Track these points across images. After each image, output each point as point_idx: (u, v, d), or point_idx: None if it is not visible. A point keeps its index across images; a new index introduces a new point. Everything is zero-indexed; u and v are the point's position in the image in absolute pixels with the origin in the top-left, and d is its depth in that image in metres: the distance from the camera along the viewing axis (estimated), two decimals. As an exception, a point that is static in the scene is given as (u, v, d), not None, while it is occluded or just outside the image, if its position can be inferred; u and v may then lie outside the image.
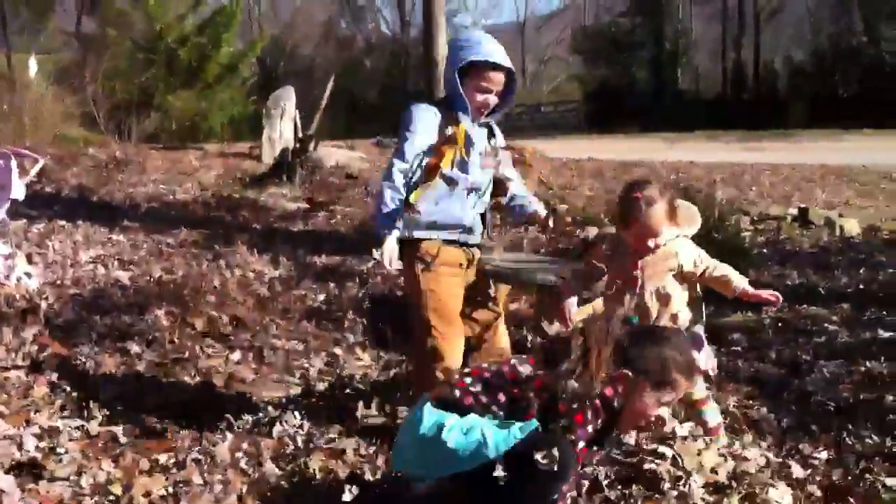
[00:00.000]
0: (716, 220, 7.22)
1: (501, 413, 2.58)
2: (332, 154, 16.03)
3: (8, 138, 14.44)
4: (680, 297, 3.39)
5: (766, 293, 3.30)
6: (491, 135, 3.66)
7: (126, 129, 13.90)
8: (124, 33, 24.65)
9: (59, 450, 3.38)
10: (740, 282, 3.34)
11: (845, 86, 36.61)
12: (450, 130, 3.38)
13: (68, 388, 4.13)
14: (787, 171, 16.74)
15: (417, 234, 3.45)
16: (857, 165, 17.05)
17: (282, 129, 16.23)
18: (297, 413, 3.84)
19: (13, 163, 6.08)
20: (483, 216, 3.69)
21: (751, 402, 4.25)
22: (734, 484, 3.07)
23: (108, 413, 3.87)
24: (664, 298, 3.39)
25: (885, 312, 5.72)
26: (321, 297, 6.21)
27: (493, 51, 3.39)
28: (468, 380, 2.66)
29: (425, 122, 3.41)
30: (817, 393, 4.30)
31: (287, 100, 16.66)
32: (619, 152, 20.76)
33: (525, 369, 2.66)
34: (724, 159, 18.66)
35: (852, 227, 9.33)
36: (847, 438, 3.73)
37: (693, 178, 14.90)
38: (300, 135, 14.36)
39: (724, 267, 3.38)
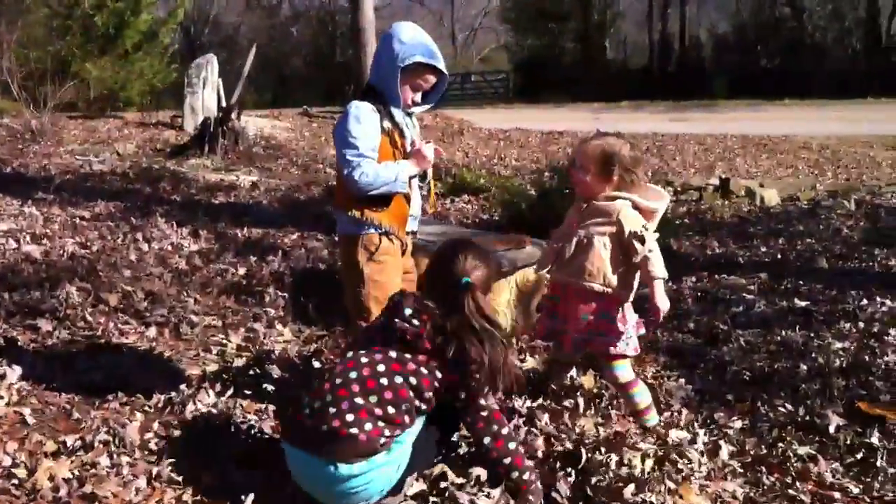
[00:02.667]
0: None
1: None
2: (256, 124, 15.79)
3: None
4: (602, 254, 3.37)
5: (660, 311, 3.33)
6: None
7: (42, 98, 13.40)
8: (39, -1, 23.86)
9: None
10: (657, 280, 3.34)
11: (767, 58, 37.29)
12: (386, 124, 3.37)
13: (-27, 369, 3.96)
14: (711, 141, 17.00)
15: (366, 230, 3.40)
16: (777, 136, 17.39)
17: (204, 99, 15.93)
18: (210, 392, 3.75)
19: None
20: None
21: (668, 372, 4.29)
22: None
23: (15, 393, 3.73)
24: (586, 246, 3.40)
25: (801, 282, 5.83)
26: (242, 270, 6.09)
27: (435, 53, 3.41)
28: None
29: (372, 122, 3.34)
30: (734, 362, 4.35)
31: (209, 68, 16.34)
32: (546, 122, 20.84)
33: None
34: (650, 129, 18.85)
35: (772, 196, 9.50)
36: (762, 407, 3.79)
37: (618, 149, 14.99)
38: (223, 104, 14.10)
39: (657, 255, 3.37)
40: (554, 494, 2.85)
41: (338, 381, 2.71)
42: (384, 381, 2.68)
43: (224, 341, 4.67)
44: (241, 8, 46.80)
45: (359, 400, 2.65)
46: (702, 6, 44.16)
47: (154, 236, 7.00)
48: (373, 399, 2.65)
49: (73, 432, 3.32)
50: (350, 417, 2.62)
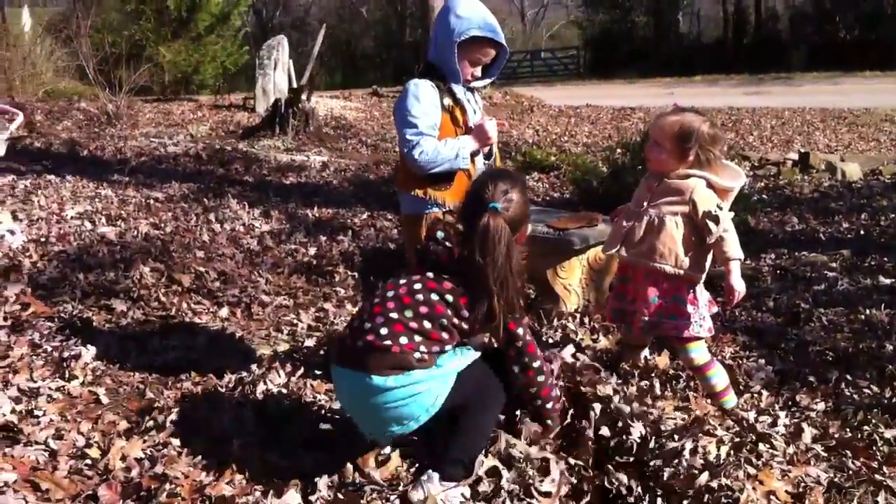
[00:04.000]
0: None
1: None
2: (327, 105, 15.86)
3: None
4: (674, 234, 3.27)
5: (735, 292, 3.24)
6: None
7: (117, 82, 13.63)
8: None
9: (37, 412, 3.30)
10: (732, 262, 3.24)
11: (846, 29, 36.15)
12: (447, 102, 3.34)
13: (50, 349, 4.02)
14: (788, 115, 16.56)
15: (429, 209, 3.37)
16: (858, 108, 16.86)
17: (275, 80, 16.04)
18: (281, 372, 3.75)
19: (-8, 119, 5.95)
20: None
21: (748, 352, 4.16)
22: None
23: (90, 373, 3.78)
24: (657, 226, 3.30)
25: (885, 259, 5.63)
26: (312, 250, 6.10)
27: (493, 26, 3.35)
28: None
29: (431, 99, 3.30)
30: (816, 342, 4.21)
31: (280, 50, 16.44)
32: (617, 98, 20.55)
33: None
34: (725, 104, 18.44)
35: (853, 171, 9.21)
36: (845, 389, 3.65)
37: (693, 124, 14.72)
38: (294, 85, 14.17)
39: (732, 235, 3.25)
40: (623, 484, 2.76)
41: (376, 300, 2.74)
42: (419, 297, 2.68)
43: (295, 321, 4.68)
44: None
45: (393, 315, 2.65)
46: (779, -23, 43.03)
47: (226, 217, 7.05)
48: (408, 314, 2.65)
49: (145, 412, 3.34)
50: (384, 331, 2.63)
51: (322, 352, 4.15)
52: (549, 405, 2.93)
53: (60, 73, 17.97)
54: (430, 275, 2.73)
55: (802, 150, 10.33)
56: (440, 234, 2.76)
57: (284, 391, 3.58)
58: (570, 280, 4.61)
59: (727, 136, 13.10)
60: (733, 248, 3.23)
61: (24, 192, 7.52)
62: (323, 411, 3.40)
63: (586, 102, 19.94)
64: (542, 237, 4.58)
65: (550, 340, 4.17)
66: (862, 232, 6.55)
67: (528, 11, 55.81)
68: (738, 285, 3.22)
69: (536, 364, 2.83)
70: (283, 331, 4.55)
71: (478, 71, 3.42)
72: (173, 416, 3.26)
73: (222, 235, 6.45)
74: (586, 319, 4.43)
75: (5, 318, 4.44)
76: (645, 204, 3.38)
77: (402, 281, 2.76)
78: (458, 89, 3.39)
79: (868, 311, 4.56)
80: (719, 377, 3.43)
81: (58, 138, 11.20)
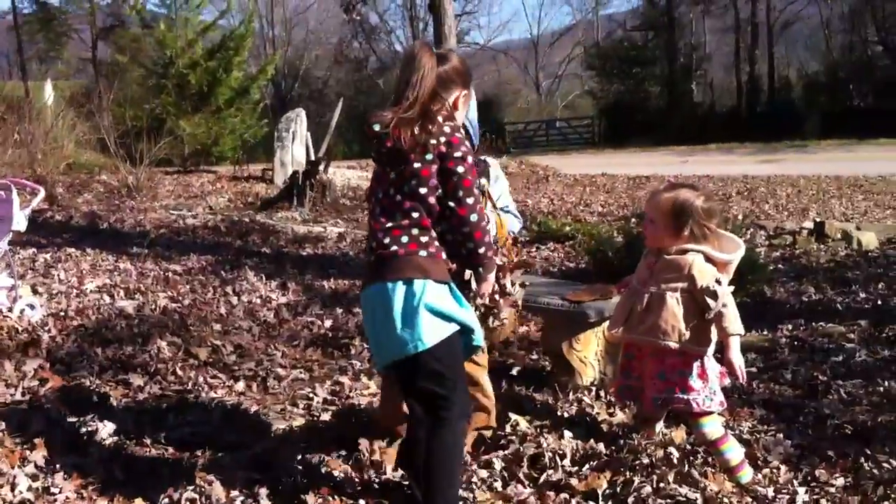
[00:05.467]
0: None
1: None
2: (344, 175, 16.02)
3: (21, 166, 14.49)
4: (675, 311, 3.29)
5: (735, 367, 3.24)
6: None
7: (138, 154, 13.86)
8: (137, 59, 24.81)
9: (52, 489, 3.31)
10: (732, 337, 3.25)
11: (860, 97, 36.42)
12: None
13: (67, 424, 4.04)
14: (804, 183, 16.60)
15: None
16: (873, 176, 16.89)
17: (293, 152, 16.25)
18: (297, 447, 3.74)
19: (14, 194, 6.05)
20: None
21: (765, 426, 4.12)
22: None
23: (106, 449, 3.79)
24: (657, 303, 3.33)
25: (904, 329, 5.59)
26: (328, 322, 6.13)
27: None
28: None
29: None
30: (834, 415, 4.17)
31: (298, 122, 16.69)
32: (632, 167, 20.67)
33: None
34: (740, 172, 18.52)
35: (870, 240, 9.18)
36: (865, 463, 3.60)
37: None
38: (311, 157, 14.35)
39: (731, 310, 3.27)
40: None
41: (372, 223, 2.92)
42: (398, 197, 2.83)
43: (311, 395, 4.67)
44: (330, 62, 47.87)
45: (388, 224, 2.83)
46: (790, 46, 43.51)
47: (243, 289, 7.11)
48: (398, 217, 2.82)
49: (160, 490, 3.34)
50: (387, 240, 2.80)
51: (337, 426, 4.14)
52: (480, 250, 2.88)
53: (82, 146, 18.27)
54: (392, 175, 2.87)
55: (818, 219, 10.32)
56: (376, 126, 2.88)
57: (300, 467, 3.57)
58: (586, 353, 4.60)
59: (743, 205, 13.15)
60: (733, 322, 3.24)
61: (44, 266, 7.62)
62: (339, 488, 3.39)
63: (601, 171, 20.07)
64: (557, 310, 4.59)
65: (566, 414, 4.15)
66: (879, 302, 6.52)
67: (542, 82, 56.49)
68: (737, 360, 3.24)
69: (470, 201, 2.82)
70: (299, 405, 4.54)
71: None
72: (188, 494, 3.26)
73: (239, 308, 6.49)
74: (602, 393, 4.41)
75: (23, 394, 4.48)
76: (644, 281, 3.41)
77: (379, 195, 2.92)
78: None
79: (887, 384, 4.52)
80: (734, 451, 3.40)
81: (78, 211, 11.37)
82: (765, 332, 5.75)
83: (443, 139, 2.79)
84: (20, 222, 5.96)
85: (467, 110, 3.22)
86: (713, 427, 3.40)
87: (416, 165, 2.79)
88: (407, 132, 2.78)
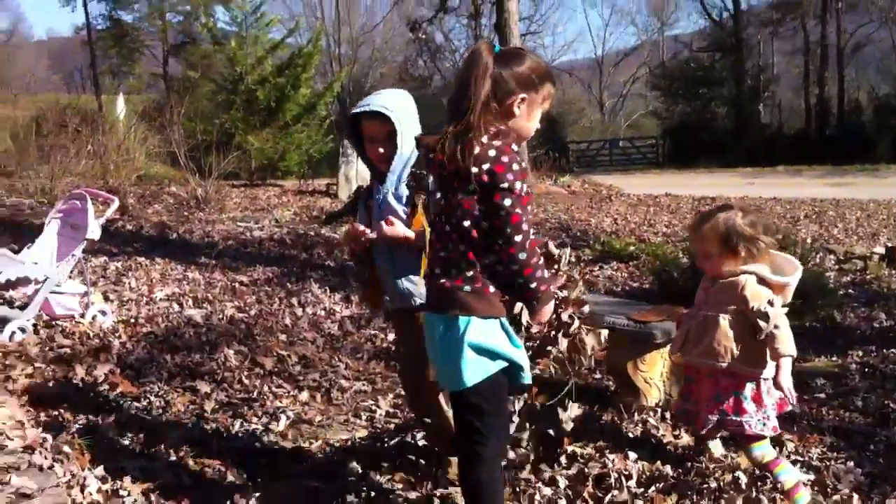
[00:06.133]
0: (798, 260, 7.01)
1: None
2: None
3: (94, 176, 14.85)
4: (728, 332, 3.27)
5: (784, 389, 3.20)
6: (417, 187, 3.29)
7: (207, 167, 14.11)
8: (207, 75, 25.30)
9: (121, 492, 3.37)
10: (784, 358, 3.21)
11: (933, 120, 35.63)
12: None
13: (136, 428, 4.13)
14: (874, 207, 16.25)
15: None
16: (947, 201, 16.48)
17: (358, 167, 16.38)
18: (360, 459, 3.76)
19: (89, 203, 6.20)
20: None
21: (836, 454, 4.03)
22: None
23: (173, 455, 3.85)
24: (711, 325, 3.33)
25: (979, 357, 5.43)
26: (391, 336, 6.14)
27: (364, 101, 3.31)
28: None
29: None
30: (907, 444, 4.07)
31: (363, 138, 16.81)
32: (697, 188, 20.43)
33: None
34: (808, 195, 18.21)
35: (944, 266, 8.96)
36: (940, 494, 3.51)
37: (775, 215, 14.56)
38: (375, 173, 14.44)
39: (784, 331, 3.22)
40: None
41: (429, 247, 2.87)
42: (446, 227, 2.66)
43: (373, 407, 4.70)
44: (395, 79, 48.26)
45: (440, 253, 2.71)
46: (861, 69, 42.75)
47: (308, 301, 7.18)
48: (448, 247, 2.67)
49: (225, 496, 3.38)
50: (437, 270, 2.71)
51: (399, 439, 4.16)
52: (532, 285, 2.63)
53: (152, 159, 18.67)
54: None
55: (889, 244, 10.09)
56: (423, 148, 2.83)
57: (363, 479, 3.59)
58: (651, 374, 4.55)
59: (812, 228, 12.92)
60: (784, 343, 3.20)
61: (115, 274, 7.78)
62: (399, 500, 3.40)
63: (665, 191, 19.88)
64: (622, 329, 4.55)
65: (631, 435, 4.11)
66: (954, 329, 6.36)
67: (606, 101, 56.27)
68: (786, 382, 3.20)
69: (518, 238, 2.55)
70: (362, 416, 4.57)
71: (379, 150, 3.30)
72: (253, 501, 3.30)
73: (304, 319, 6.56)
74: (667, 414, 4.36)
75: (94, 398, 4.57)
76: (701, 305, 3.41)
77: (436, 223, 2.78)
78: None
79: (962, 413, 4.40)
80: (788, 474, 3.36)
81: (148, 221, 11.59)
82: (835, 358, 5.64)
83: (486, 166, 2.52)
84: (94, 231, 6.10)
85: (529, 119, 2.78)
86: (764, 450, 3.37)
87: (459, 196, 2.59)
88: (449, 156, 2.57)
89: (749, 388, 3.31)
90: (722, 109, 41.46)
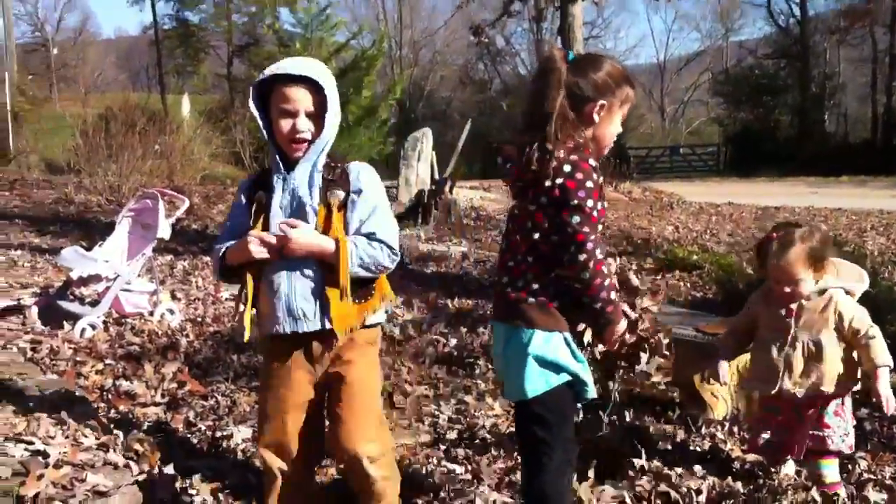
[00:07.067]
0: (868, 273, 6.87)
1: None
2: (466, 195, 16.14)
3: (160, 176, 15.13)
4: (835, 355, 3.22)
5: (883, 398, 3.14)
6: (333, 182, 2.81)
7: (269, 168, 14.29)
8: (271, 76, 25.53)
9: (190, 490, 3.41)
10: (881, 368, 3.15)
11: None
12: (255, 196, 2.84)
13: (203, 427, 4.19)
14: (944, 220, 15.86)
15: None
16: None
17: (418, 171, 16.43)
18: (432, 462, 3.78)
19: (160, 203, 6.32)
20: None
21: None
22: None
23: (241, 454, 3.90)
24: (816, 352, 3.23)
25: None
26: (453, 341, 6.16)
27: (286, 64, 2.73)
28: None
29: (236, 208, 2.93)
30: (984, 466, 3.95)
31: (424, 141, 16.85)
32: (759, 197, 20.14)
33: None
34: (874, 206, 17.84)
35: None
36: None
37: (840, 227, 14.29)
38: (436, 176, 14.50)
39: (879, 341, 3.17)
40: None
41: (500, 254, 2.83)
42: (517, 236, 2.67)
43: (436, 412, 4.70)
44: (454, 83, 48.41)
45: (510, 262, 2.69)
46: (931, 78, 41.78)
47: (370, 304, 7.20)
48: (517, 257, 2.66)
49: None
50: (505, 279, 2.69)
51: (463, 445, 4.16)
52: (597, 305, 2.58)
53: (217, 159, 18.96)
54: (516, 211, 2.72)
55: (961, 259, 9.86)
56: (501, 156, 2.70)
57: (424, 482, 3.60)
58: (719, 387, 4.50)
59: (879, 241, 12.65)
60: (881, 354, 3.16)
61: (182, 273, 7.91)
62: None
63: (727, 200, 19.63)
64: (690, 341, 4.51)
65: (698, 449, 4.06)
66: None
67: (667, 108, 55.77)
68: (885, 391, 3.14)
69: (582, 258, 2.50)
70: (425, 421, 4.57)
71: (300, 125, 2.75)
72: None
73: (367, 322, 6.58)
74: (736, 429, 4.30)
75: (163, 395, 4.65)
76: (791, 330, 3.31)
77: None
78: (277, 180, 2.82)
79: None
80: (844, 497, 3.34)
81: (213, 221, 11.77)
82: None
83: (559, 181, 2.50)
84: (165, 230, 6.21)
85: (610, 125, 2.72)
86: (832, 470, 3.34)
87: (531, 208, 2.59)
88: (525, 166, 2.55)
89: (834, 403, 3.27)
90: (786, 118, 40.89)
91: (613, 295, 2.63)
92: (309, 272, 2.72)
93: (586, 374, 2.73)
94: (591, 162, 2.56)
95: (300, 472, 2.97)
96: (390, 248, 2.81)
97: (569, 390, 2.71)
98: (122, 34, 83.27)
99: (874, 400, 3.19)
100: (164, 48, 43.47)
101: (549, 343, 2.62)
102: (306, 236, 2.68)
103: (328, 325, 2.72)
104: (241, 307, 2.80)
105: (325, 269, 2.70)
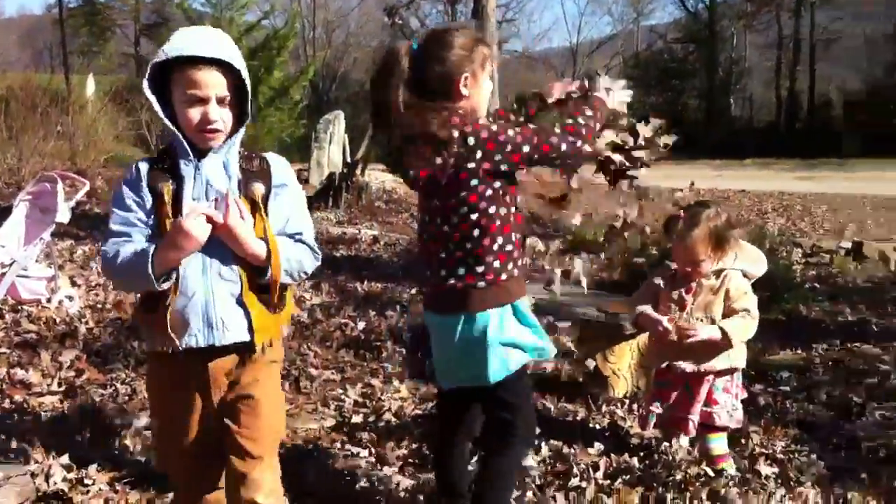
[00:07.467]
0: (766, 252, 7.08)
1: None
2: (378, 178, 16.08)
3: (62, 159, 14.69)
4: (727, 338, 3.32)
5: (696, 330, 3.29)
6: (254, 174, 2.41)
7: (177, 150, 14.01)
8: (179, 56, 25.00)
9: (86, 481, 3.34)
10: (726, 336, 3.32)
11: (901, 116, 36.09)
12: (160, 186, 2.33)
13: (102, 416, 4.09)
14: (841, 202, 16.43)
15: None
16: (912, 197, 16.70)
17: (330, 153, 16.34)
18: (328, 448, 3.77)
19: (59, 186, 6.13)
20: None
21: (799, 446, 4.08)
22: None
23: (140, 443, 3.82)
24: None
25: (941, 353, 5.52)
26: (361, 325, 6.14)
27: (191, 42, 2.28)
28: None
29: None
30: (868, 438, 4.12)
31: (337, 124, 16.77)
32: (666, 179, 20.49)
33: None
34: (776, 188, 18.37)
35: (908, 261, 9.08)
36: (899, 488, 3.56)
37: (743, 208, 14.68)
38: (348, 159, 14.43)
39: (749, 325, 3.31)
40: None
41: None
42: (445, 228, 2.66)
43: (342, 396, 4.69)
44: (369, 65, 48.07)
45: (442, 255, 2.67)
46: (833, 64, 43.13)
47: (277, 288, 7.13)
48: (450, 247, 2.66)
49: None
50: (443, 273, 2.67)
51: (368, 429, 4.16)
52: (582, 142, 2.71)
53: (122, 141, 18.49)
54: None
55: (855, 239, 10.23)
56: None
57: (328, 468, 3.59)
58: (620, 365, 4.59)
59: (779, 221, 13.04)
60: (740, 333, 3.31)
61: (82, 258, 7.70)
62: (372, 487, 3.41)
63: (636, 183, 19.95)
64: (592, 321, 4.58)
65: (597, 427, 4.14)
66: (917, 324, 6.46)
67: (578, 91, 56.42)
68: (704, 333, 3.29)
69: (571, 150, 2.68)
70: (330, 406, 4.56)
71: (212, 113, 2.29)
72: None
73: (273, 307, 6.52)
74: (635, 406, 4.40)
75: (60, 384, 4.54)
76: (688, 308, 3.40)
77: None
78: (186, 166, 2.35)
79: (923, 408, 4.47)
80: (730, 471, 3.47)
81: (117, 205, 11.47)
82: (799, 351, 5.71)
83: (479, 155, 2.58)
84: (64, 214, 6.03)
85: (481, 90, 2.73)
86: (720, 444, 3.45)
87: (463, 194, 2.62)
88: (439, 168, 2.62)
89: (723, 380, 3.36)
90: (693, 101, 41.77)
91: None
92: (230, 274, 2.31)
93: (541, 337, 2.77)
94: (481, 120, 2.64)
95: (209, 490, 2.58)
96: (314, 251, 2.46)
97: (525, 369, 2.77)
98: (25, 13, 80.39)
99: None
100: (68, 27, 42.15)
101: (504, 323, 2.65)
102: (248, 225, 2.29)
103: (246, 338, 2.35)
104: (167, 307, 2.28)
105: (246, 270, 2.33)
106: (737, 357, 3.40)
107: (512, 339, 2.66)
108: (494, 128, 2.60)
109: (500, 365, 2.65)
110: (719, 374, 3.40)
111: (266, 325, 2.37)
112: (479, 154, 2.55)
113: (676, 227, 3.39)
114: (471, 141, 2.55)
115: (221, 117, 2.30)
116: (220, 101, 2.29)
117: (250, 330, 2.34)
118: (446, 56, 2.64)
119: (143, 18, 42.49)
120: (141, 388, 4.55)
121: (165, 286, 2.24)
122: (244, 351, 2.37)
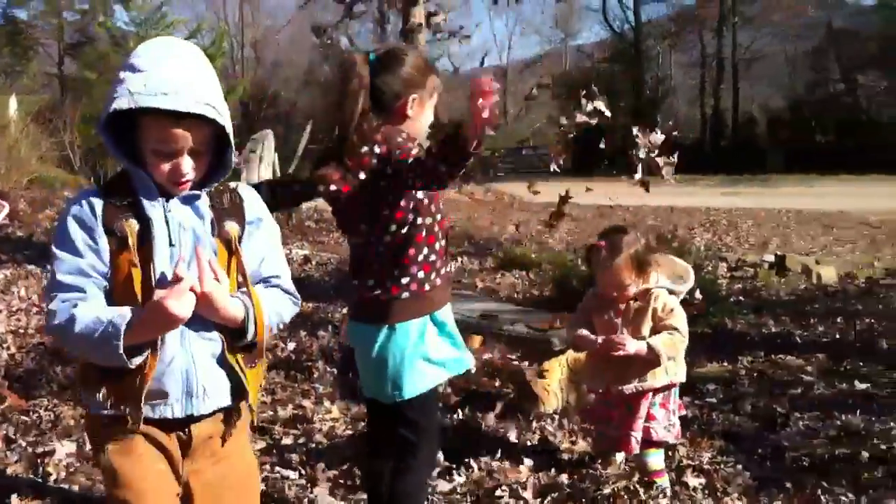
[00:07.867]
0: (692, 268, 7.20)
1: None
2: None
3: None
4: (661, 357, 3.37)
5: (626, 343, 3.33)
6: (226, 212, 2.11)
7: (102, 171, 13.77)
8: (104, 76, 24.64)
9: (8, 510, 3.26)
10: (655, 353, 3.34)
11: (822, 133, 37.11)
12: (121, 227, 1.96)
13: (24, 444, 3.99)
14: (765, 216, 16.81)
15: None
16: (833, 211, 17.15)
17: (260, 173, 16.17)
18: (265, 468, 3.72)
19: (-23, 209, 5.99)
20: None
21: (725, 457, 4.15)
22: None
23: (64, 470, 3.74)
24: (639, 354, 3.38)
25: (861, 363, 5.67)
26: (291, 345, 6.09)
27: (164, 85, 1.90)
28: None
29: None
30: (793, 448, 4.21)
31: (266, 144, 16.61)
32: (596, 197, 20.75)
33: None
34: (702, 204, 18.72)
35: (829, 274, 9.32)
36: (822, 496, 3.64)
37: (671, 224, 14.92)
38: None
39: (678, 341, 3.36)
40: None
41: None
42: (370, 238, 2.68)
43: (273, 418, 4.64)
44: (299, 84, 47.87)
45: (374, 266, 2.69)
46: (755, 83, 44.17)
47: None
48: (378, 259, 2.68)
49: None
50: (371, 282, 2.68)
51: (298, 451, 4.12)
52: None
53: (46, 162, 18.10)
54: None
55: (779, 253, 10.46)
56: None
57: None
58: (550, 381, 4.62)
59: (705, 236, 13.28)
60: (668, 349, 3.33)
61: (3, 283, 7.51)
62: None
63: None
64: (522, 337, 4.61)
65: (528, 443, 4.16)
66: (838, 336, 6.61)
67: (510, 110, 56.86)
68: (631, 347, 3.31)
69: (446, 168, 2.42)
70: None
71: (184, 166, 1.97)
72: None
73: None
74: (565, 422, 4.43)
75: (-20, 412, 4.41)
76: (618, 330, 3.44)
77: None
78: (153, 206, 2.00)
79: (844, 417, 4.58)
80: (666, 488, 3.51)
81: (40, 227, 11.23)
82: (725, 364, 5.80)
83: (389, 171, 2.60)
84: (-18, 238, 5.89)
85: (422, 116, 2.76)
86: (657, 459, 3.49)
87: (386, 212, 2.66)
88: (360, 187, 2.66)
89: (660, 395, 3.41)
90: (621, 120, 42.41)
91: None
92: (209, 334, 2.02)
93: (459, 349, 2.80)
94: (411, 144, 2.60)
95: None
96: (293, 297, 2.22)
97: (436, 389, 2.78)
98: (-58, 31, 78.30)
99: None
100: (-12, 46, 41.18)
101: (424, 335, 2.67)
102: (225, 288, 1.98)
103: (228, 402, 2.08)
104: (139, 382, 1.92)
105: (224, 330, 2.03)
106: (675, 373, 3.45)
107: (429, 355, 2.68)
108: (399, 139, 2.60)
109: (414, 383, 2.66)
110: (657, 390, 3.44)
111: (252, 385, 2.08)
112: (400, 172, 2.55)
113: (598, 257, 3.42)
114: (395, 159, 2.56)
115: (194, 167, 1.99)
116: (193, 153, 1.97)
117: (233, 393, 2.07)
118: (400, 72, 2.67)
119: (67, 38, 41.61)
120: (65, 414, 4.45)
121: (137, 362, 1.88)
122: (221, 418, 2.09)
